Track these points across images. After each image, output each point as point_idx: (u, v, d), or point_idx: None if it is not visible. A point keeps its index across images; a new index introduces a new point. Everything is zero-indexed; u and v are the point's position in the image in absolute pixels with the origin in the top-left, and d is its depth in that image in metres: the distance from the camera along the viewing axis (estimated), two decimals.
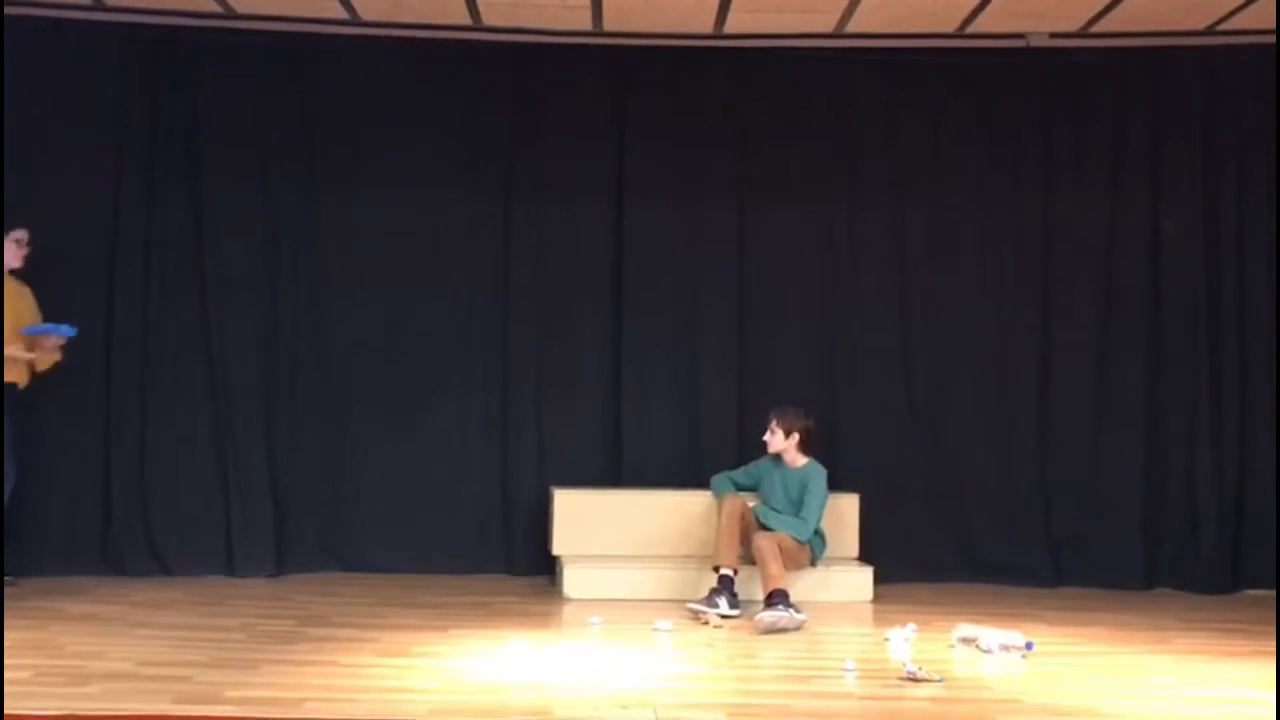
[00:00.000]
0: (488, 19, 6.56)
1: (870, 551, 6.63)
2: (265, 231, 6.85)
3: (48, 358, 6.13)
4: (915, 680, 4.73)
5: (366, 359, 6.88)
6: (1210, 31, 6.61)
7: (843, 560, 6.55)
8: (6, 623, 5.15)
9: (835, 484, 6.45)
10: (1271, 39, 6.55)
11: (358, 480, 6.85)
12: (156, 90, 6.76)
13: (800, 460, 6.30)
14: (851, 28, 6.55)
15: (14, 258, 6.08)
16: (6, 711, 4.00)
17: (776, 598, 5.73)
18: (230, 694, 4.38)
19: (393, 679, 4.65)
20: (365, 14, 6.53)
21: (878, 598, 6.41)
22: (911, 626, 5.47)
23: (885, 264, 7.08)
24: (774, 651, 5.32)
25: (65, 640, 5.09)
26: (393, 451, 6.87)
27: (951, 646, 5.32)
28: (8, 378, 5.94)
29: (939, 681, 4.74)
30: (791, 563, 6.04)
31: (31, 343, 6.05)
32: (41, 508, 6.43)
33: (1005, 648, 5.20)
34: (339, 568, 6.78)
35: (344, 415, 6.87)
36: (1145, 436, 6.95)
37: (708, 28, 6.62)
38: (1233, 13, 6.30)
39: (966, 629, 5.37)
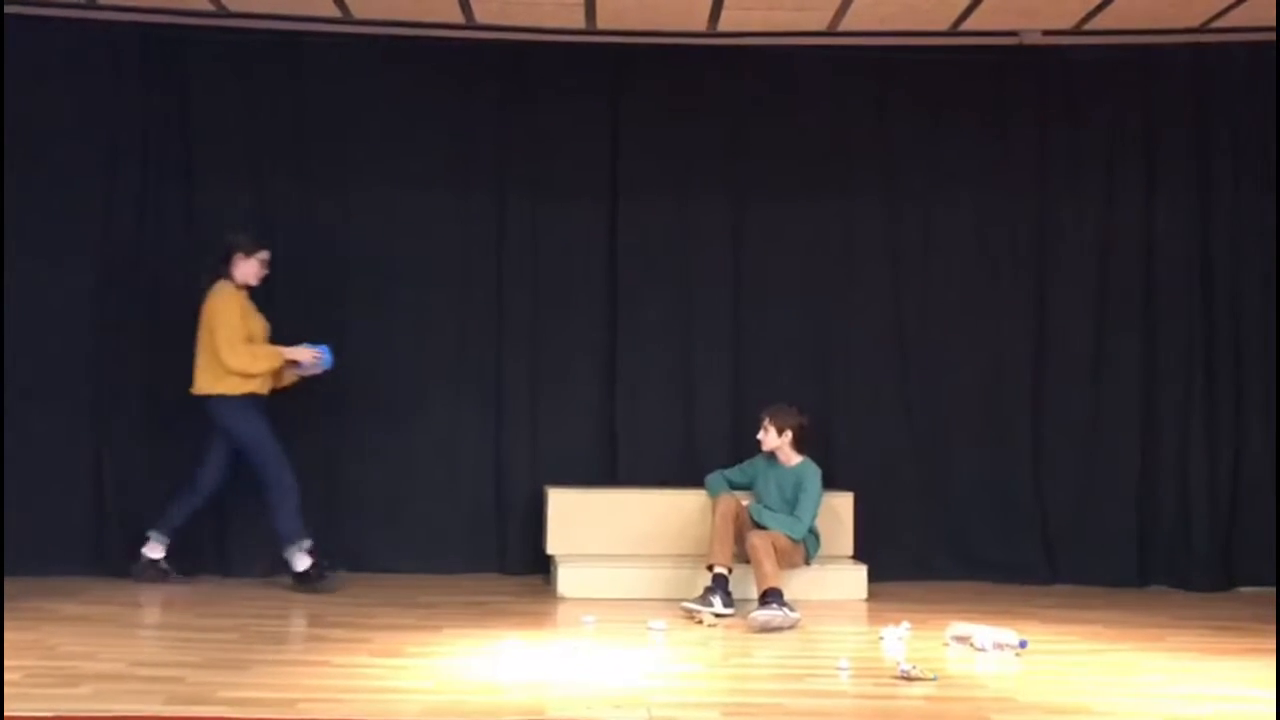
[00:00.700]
0: (481, 17, 6.55)
1: (864, 550, 6.63)
2: (258, 229, 6.82)
3: (294, 374, 6.34)
4: (909, 679, 4.73)
5: (359, 357, 6.85)
6: (1203, 29, 6.61)
7: (837, 559, 6.55)
8: None
9: (829, 482, 6.45)
10: (1263, 36, 6.56)
11: (350, 479, 6.83)
12: (148, 89, 6.74)
13: (794, 458, 6.29)
14: (845, 26, 6.54)
15: (252, 275, 6.26)
16: None
17: (771, 596, 5.73)
18: (223, 694, 4.37)
19: (386, 679, 4.64)
20: (358, 12, 6.51)
21: (872, 596, 6.41)
22: (905, 625, 5.47)
23: (879, 262, 7.07)
24: (768, 650, 5.32)
25: (57, 641, 5.08)
26: (386, 450, 6.85)
27: (945, 645, 5.32)
28: (247, 388, 6.16)
29: (933, 680, 4.73)
30: (786, 561, 6.03)
31: (292, 360, 6.26)
32: (33, 507, 6.42)
33: (999, 646, 5.20)
34: (331, 568, 6.76)
35: (336, 413, 6.85)
36: (1139, 434, 6.95)
37: (701, 25, 6.61)
38: (1225, 10, 6.30)
39: (960, 627, 5.37)
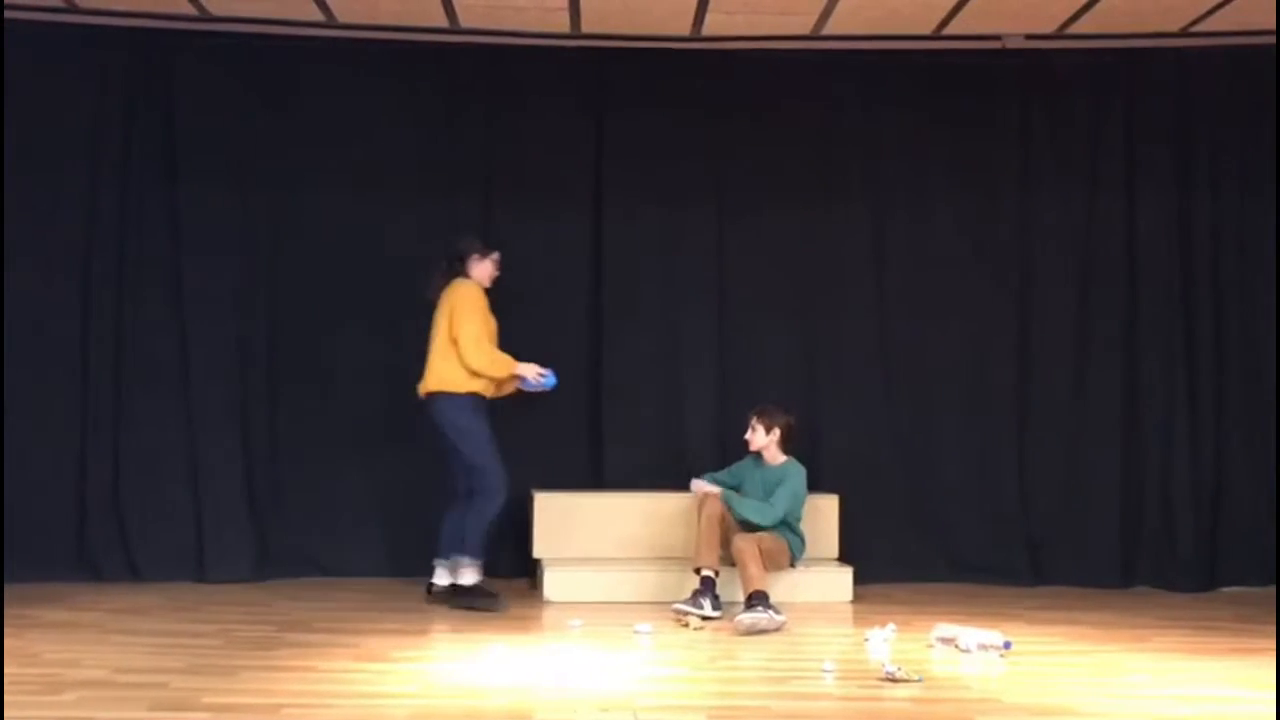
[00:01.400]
0: (465, 21, 6.55)
1: (850, 552, 6.64)
2: (241, 233, 6.82)
3: (515, 387, 6.30)
4: (894, 680, 4.74)
5: (344, 362, 6.86)
6: (1184, 33, 6.65)
7: (822, 561, 6.56)
8: None
9: (815, 484, 6.46)
10: (1244, 40, 6.62)
11: (336, 484, 6.82)
12: (131, 92, 6.73)
13: (780, 458, 6.31)
14: (829, 30, 6.56)
15: (487, 276, 6.24)
16: None
17: (756, 599, 5.73)
18: (208, 700, 4.35)
19: (371, 684, 4.63)
20: (342, 16, 6.51)
21: (857, 598, 6.42)
22: (891, 627, 5.47)
23: (864, 265, 7.09)
24: (754, 653, 5.32)
25: (41, 648, 5.05)
26: (371, 454, 6.85)
27: (930, 646, 5.33)
28: (473, 386, 6.09)
29: (918, 681, 4.74)
30: (771, 564, 6.04)
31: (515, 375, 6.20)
32: (16, 512, 6.39)
33: (984, 647, 5.21)
34: (317, 572, 6.75)
35: (322, 418, 6.84)
36: (1123, 436, 6.98)
37: (685, 29, 6.62)
38: (1206, 15, 6.34)
39: (945, 629, 5.38)
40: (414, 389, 6.93)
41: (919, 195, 7.09)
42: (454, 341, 6.03)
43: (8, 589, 6.00)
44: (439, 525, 6.17)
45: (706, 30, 6.61)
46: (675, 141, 7.03)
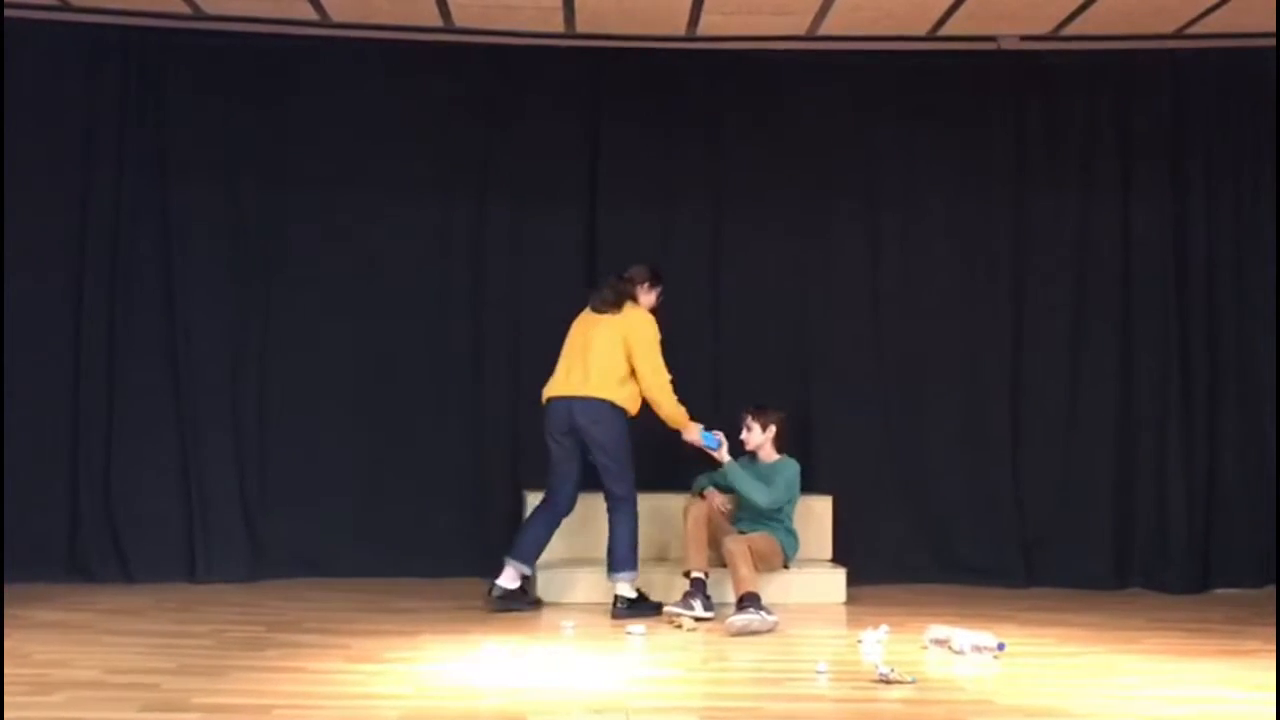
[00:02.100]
0: (459, 20, 6.54)
1: (843, 553, 6.63)
2: (235, 234, 6.81)
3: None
4: (888, 682, 4.73)
5: (337, 362, 6.85)
6: (1178, 35, 6.65)
7: (815, 562, 6.55)
8: None
9: (809, 485, 6.46)
10: (1238, 42, 6.62)
11: (328, 484, 6.80)
12: (124, 92, 6.71)
13: (774, 456, 6.32)
14: (824, 30, 6.56)
15: (651, 299, 6.26)
16: None
17: (748, 600, 5.73)
18: (198, 701, 4.34)
19: (363, 685, 4.62)
20: (336, 15, 6.49)
21: (850, 599, 6.42)
22: (884, 628, 5.48)
23: (859, 265, 7.09)
24: (746, 654, 5.31)
25: (31, 648, 5.03)
26: (364, 455, 6.84)
27: (924, 648, 5.33)
28: (633, 409, 6.12)
29: (911, 683, 4.74)
30: (763, 564, 6.04)
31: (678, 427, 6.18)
32: (7, 512, 6.37)
33: (977, 648, 5.21)
34: (309, 573, 6.74)
35: (314, 418, 6.82)
36: (1116, 438, 6.99)
37: (680, 29, 6.62)
38: (1200, 16, 6.35)
39: (939, 630, 5.38)
40: (414, 389, 6.93)
41: (914, 196, 7.09)
42: (633, 368, 6.04)
43: None
44: (522, 527, 6.18)
45: (702, 30, 6.61)
46: (670, 141, 7.02)
